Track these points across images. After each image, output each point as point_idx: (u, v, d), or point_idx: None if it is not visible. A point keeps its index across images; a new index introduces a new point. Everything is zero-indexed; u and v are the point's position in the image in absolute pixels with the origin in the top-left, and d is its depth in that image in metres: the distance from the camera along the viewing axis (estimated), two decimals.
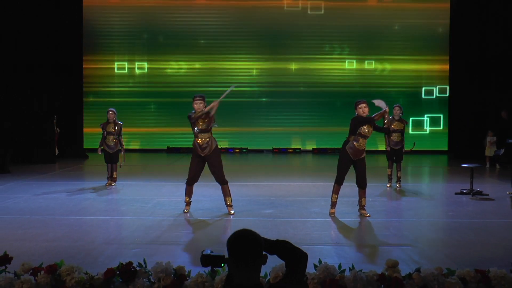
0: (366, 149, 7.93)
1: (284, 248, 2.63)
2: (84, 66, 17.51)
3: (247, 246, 2.48)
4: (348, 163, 7.90)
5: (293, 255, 2.62)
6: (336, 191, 7.99)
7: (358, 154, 7.80)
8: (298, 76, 18.06)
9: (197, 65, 18.10)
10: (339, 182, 7.95)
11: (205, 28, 18.04)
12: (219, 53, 18.07)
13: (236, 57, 18.06)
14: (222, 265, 2.62)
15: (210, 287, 4.35)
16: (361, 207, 7.98)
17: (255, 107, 17.94)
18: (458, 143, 16.90)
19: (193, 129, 8.01)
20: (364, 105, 7.94)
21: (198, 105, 7.88)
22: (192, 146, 8.09)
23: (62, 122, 16.29)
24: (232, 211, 8.11)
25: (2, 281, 4.32)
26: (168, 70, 18.14)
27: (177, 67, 18.15)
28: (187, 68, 18.17)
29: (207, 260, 2.65)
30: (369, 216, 7.85)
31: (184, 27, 18.02)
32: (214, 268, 2.71)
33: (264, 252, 2.54)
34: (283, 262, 2.67)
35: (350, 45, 18.09)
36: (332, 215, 7.93)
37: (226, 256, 2.54)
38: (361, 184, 7.93)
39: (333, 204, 8.01)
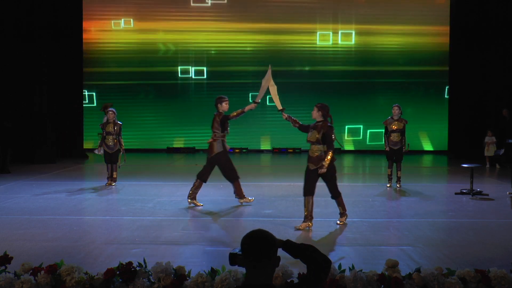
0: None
1: (308, 253, 2.64)
2: (84, 65, 17.48)
3: (257, 246, 2.50)
4: (311, 174, 7.26)
5: (317, 261, 2.62)
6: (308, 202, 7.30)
7: (315, 162, 7.21)
8: (297, 74, 18.07)
9: (196, 69, 18.11)
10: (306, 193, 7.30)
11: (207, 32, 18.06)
12: (220, 55, 18.09)
13: (236, 56, 18.07)
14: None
15: (210, 287, 4.35)
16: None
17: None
18: (458, 143, 16.88)
19: (224, 128, 8.58)
20: (314, 109, 7.41)
21: (228, 105, 8.65)
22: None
23: (61, 122, 16.31)
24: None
25: (2, 281, 4.32)
26: (172, 72, 18.15)
27: (180, 68, 18.15)
28: (188, 71, 18.17)
29: (233, 259, 2.67)
30: (341, 224, 7.43)
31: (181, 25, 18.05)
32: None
33: (278, 254, 2.55)
34: (283, 263, 2.67)
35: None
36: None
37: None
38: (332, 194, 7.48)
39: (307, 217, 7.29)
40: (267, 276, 2.50)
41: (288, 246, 2.65)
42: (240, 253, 2.63)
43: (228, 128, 8.65)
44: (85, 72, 17.43)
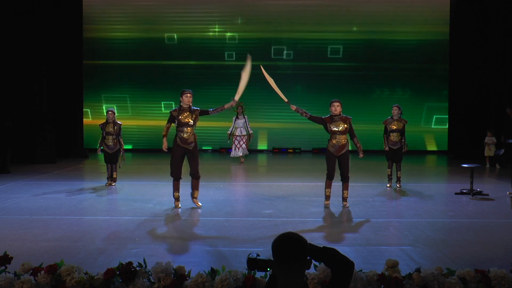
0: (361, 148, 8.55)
1: (331, 256, 2.62)
2: (84, 62, 17.42)
3: (291, 248, 2.48)
4: (334, 159, 8.42)
5: (340, 263, 2.61)
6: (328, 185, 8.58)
7: (340, 149, 8.33)
8: (296, 72, 18.09)
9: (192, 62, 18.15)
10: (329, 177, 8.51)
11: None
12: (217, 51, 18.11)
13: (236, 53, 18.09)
14: (268, 269, 2.61)
15: (210, 287, 4.35)
16: (343, 199, 8.57)
17: (254, 104, 17.79)
18: (458, 143, 16.89)
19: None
20: (336, 104, 8.48)
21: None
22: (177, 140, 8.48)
23: (61, 122, 16.32)
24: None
25: (2, 281, 4.33)
26: (171, 68, 18.16)
27: (179, 63, 18.17)
28: (185, 67, 18.19)
29: (254, 264, 2.65)
30: (348, 207, 8.42)
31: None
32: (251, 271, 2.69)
33: (308, 257, 2.54)
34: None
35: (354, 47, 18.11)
36: (327, 205, 8.53)
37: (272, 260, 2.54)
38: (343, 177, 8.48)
39: (327, 197, 8.58)
40: (300, 279, 2.48)
41: (311, 249, 2.63)
42: (259, 257, 2.61)
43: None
44: (85, 72, 17.45)
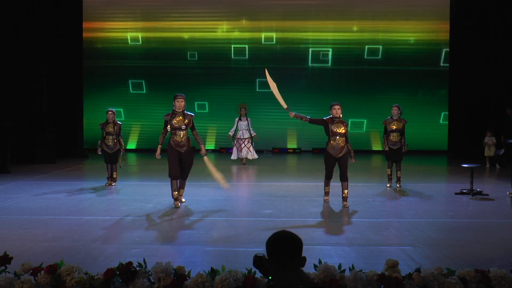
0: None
1: None
2: (84, 62, 17.42)
3: (284, 247, 2.48)
4: (333, 160, 8.61)
5: None
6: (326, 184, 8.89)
7: (339, 151, 8.50)
8: (296, 72, 18.09)
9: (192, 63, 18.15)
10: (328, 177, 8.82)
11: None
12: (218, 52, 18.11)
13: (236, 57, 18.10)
14: (270, 277, 2.60)
15: (210, 287, 4.35)
16: (343, 198, 8.64)
17: (255, 104, 17.80)
18: (458, 143, 16.89)
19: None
20: (337, 106, 8.55)
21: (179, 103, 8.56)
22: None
23: (61, 122, 16.32)
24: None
25: (2, 281, 4.32)
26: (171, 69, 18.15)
27: (180, 63, 18.17)
28: (187, 67, 18.19)
29: (259, 263, 2.64)
30: (348, 207, 8.46)
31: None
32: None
33: (303, 255, 2.52)
34: None
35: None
36: (326, 201, 8.83)
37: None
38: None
39: (326, 193, 8.87)
40: (295, 278, 2.48)
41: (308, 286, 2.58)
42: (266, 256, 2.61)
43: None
44: (85, 72, 17.45)
